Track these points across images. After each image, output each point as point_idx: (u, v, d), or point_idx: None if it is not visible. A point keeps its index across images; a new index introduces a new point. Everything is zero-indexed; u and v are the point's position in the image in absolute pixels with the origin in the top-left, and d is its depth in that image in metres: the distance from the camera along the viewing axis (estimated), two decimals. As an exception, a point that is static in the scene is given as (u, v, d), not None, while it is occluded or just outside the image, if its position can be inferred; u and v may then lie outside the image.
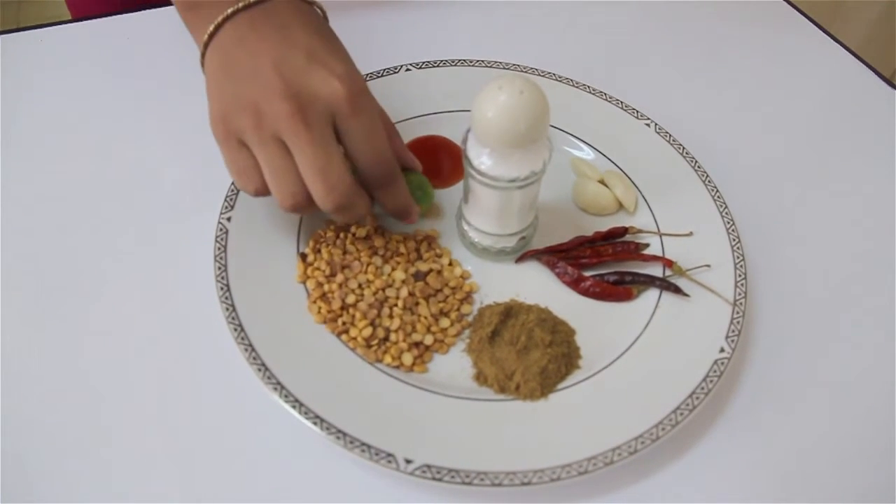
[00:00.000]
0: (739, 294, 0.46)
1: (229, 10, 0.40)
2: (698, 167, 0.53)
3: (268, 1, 0.41)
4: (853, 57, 0.69)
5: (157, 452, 0.40)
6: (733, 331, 0.44)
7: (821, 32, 0.72)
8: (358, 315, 0.44)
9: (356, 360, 0.43)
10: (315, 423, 0.38)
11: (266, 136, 0.38)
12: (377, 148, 0.41)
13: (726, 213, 0.50)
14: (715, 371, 0.42)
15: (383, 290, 0.45)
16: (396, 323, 0.44)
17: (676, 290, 0.46)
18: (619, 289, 0.47)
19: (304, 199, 0.40)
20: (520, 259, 0.49)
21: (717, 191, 0.52)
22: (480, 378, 0.42)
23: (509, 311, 0.44)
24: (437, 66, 0.59)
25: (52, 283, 0.46)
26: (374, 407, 0.40)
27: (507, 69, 0.59)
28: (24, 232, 0.49)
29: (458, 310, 0.45)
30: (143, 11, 0.65)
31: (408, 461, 0.37)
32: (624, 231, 0.50)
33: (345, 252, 0.47)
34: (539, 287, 0.47)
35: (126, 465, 0.39)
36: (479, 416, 0.40)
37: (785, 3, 0.75)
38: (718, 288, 0.46)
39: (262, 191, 0.41)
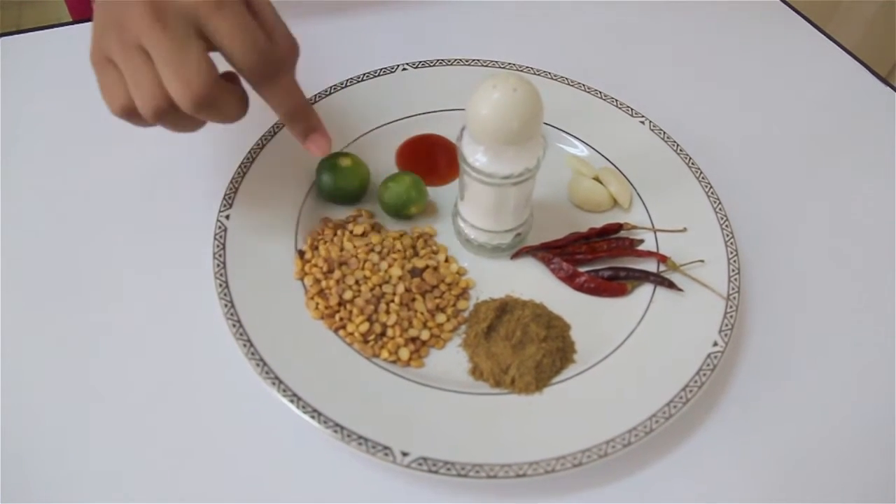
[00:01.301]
0: (733, 289, 0.46)
1: None
2: (692, 164, 0.53)
3: None
4: (850, 56, 0.70)
5: (156, 449, 0.40)
6: (726, 325, 0.44)
7: (817, 32, 0.73)
8: (355, 311, 0.44)
9: (353, 355, 0.43)
10: (313, 417, 0.39)
11: (129, 47, 0.37)
12: (248, 39, 0.38)
13: (720, 210, 0.51)
14: (708, 364, 0.42)
15: (380, 286, 0.46)
16: (393, 318, 0.44)
17: (670, 285, 0.47)
18: (613, 284, 0.47)
19: (164, 101, 0.38)
20: (515, 255, 0.49)
21: (711, 187, 0.52)
22: (476, 372, 0.43)
23: (505, 307, 0.45)
24: (433, 65, 0.60)
25: (50, 281, 0.47)
26: (371, 401, 0.41)
27: (502, 68, 0.60)
28: (25, 231, 0.49)
29: (454, 305, 0.46)
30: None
31: (404, 454, 0.38)
32: (618, 227, 0.50)
33: (342, 249, 0.47)
34: (534, 283, 0.48)
35: (124, 463, 0.40)
36: (475, 410, 0.41)
37: (781, 3, 0.76)
38: (712, 283, 0.47)
39: (128, 105, 0.39)
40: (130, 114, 0.39)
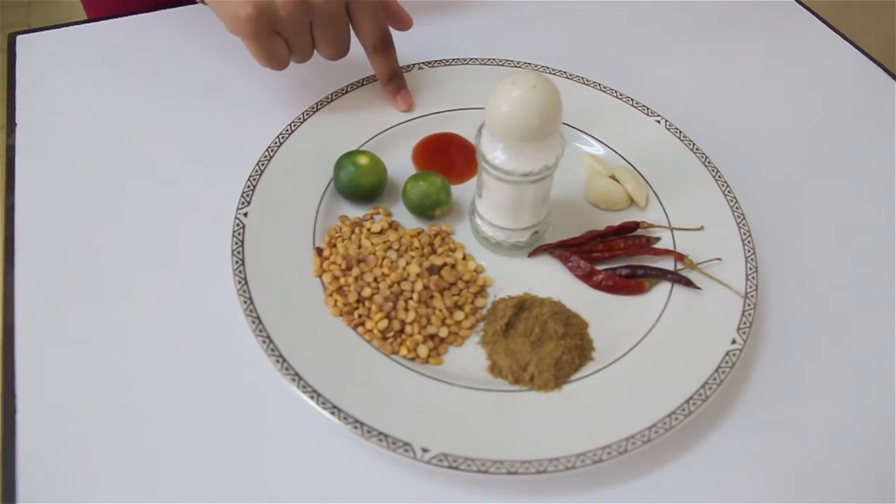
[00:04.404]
0: (750, 287, 0.46)
1: None
2: (708, 162, 0.53)
3: None
4: (864, 56, 0.70)
5: (174, 447, 0.40)
6: (745, 323, 0.44)
7: (831, 31, 0.72)
8: (374, 308, 0.44)
9: (372, 352, 0.43)
10: (333, 413, 0.39)
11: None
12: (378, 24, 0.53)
13: (737, 208, 0.51)
14: (727, 362, 0.42)
15: (398, 283, 0.46)
16: (412, 315, 0.44)
17: (688, 283, 0.47)
18: (631, 282, 0.47)
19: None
20: (533, 253, 0.49)
21: (728, 185, 0.52)
22: (495, 369, 0.43)
23: (523, 304, 0.45)
24: (449, 64, 0.60)
25: (67, 279, 0.47)
26: (390, 397, 0.41)
27: (518, 67, 0.60)
28: (42, 229, 0.49)
29: (472, 303, 0.46)
30: (157, 11, 0.66)
31: (424, 450, 0.38)
32: (635, 225, 0.50)
33: (359, 246, 0.48)
34: (552, 281, 0.48)
35: (141, 461, 0.40)
36: (495, 407, 0.41)
37: (794, 2, 0.75)
38: (730, 281, 0.47)
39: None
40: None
